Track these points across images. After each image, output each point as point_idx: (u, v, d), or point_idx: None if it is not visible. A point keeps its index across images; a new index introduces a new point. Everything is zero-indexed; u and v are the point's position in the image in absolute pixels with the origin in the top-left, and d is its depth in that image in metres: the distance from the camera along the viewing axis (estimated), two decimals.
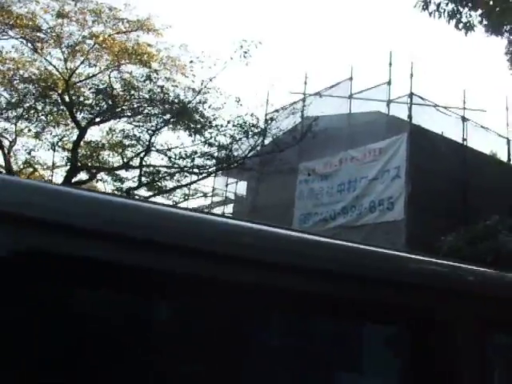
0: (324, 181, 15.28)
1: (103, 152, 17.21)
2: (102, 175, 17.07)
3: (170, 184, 16.46)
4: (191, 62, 14.17)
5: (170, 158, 14.91)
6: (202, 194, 17.19)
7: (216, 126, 14.51)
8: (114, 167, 16.42)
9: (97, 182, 16.60)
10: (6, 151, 16.91)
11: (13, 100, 16.65)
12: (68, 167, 17.10)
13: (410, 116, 14.74)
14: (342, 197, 14.96)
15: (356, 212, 14.62)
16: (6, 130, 17.05)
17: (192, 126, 15.04)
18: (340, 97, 15.92)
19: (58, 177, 19.02)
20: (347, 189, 14.90)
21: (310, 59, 39.68)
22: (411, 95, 14.96)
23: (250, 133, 14.85)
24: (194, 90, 14.71)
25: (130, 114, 16.07)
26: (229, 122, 14.23)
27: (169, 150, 14.99)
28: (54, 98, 16.62)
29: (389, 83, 15.30)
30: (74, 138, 17.11)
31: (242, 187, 18.46)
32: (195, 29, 36.95)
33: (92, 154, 17.37)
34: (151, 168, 15.75)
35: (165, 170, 15.50)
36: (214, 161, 15.42)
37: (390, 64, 15.38)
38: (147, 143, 15.18)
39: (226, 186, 18.25)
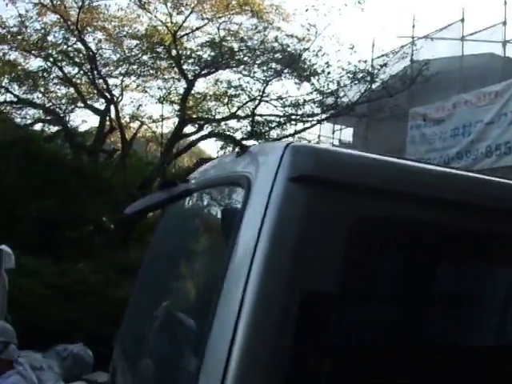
0: (436, 126, 15.13)
1: (210, 103, 17.62)
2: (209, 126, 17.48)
3: (275, 133, 16.73)
4: (307, 10, 14.18)
5: (282, 106, 15.15)
6: (306, 142, 17.34)
7: (328, 73, 14.58)
8: (223, 118, 16.82)
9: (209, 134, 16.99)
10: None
11: (122, 56, 17.18)
12: (175, 120, 17.67)
13: None
14: (456, 142, 14.81)
15: (471, 157, 14.48)
16: (116, 86, 17.64)
17: (302, 74, 15.18)
18: (451, 39, 15.54)
19: (164, 129, 19.69)
20: (461, 133, 14.71)
21: (419, 2, 38.02)
22: None
23: (360, 79, 14.87)
24: (306, 39, 14.78)
25: (235, 65, 16.32)
26: (343, 69, 14.28)
27: (280, 98, 15.23)
28: (160, 52, 17.05)
29: (504, 23, 14.74)
30: (180, 91, 17.59)
31: (347, 133, 18.56)
32: None
33: (198, 105, 17.81)
34: (261, 118, 16.04)
35: (275, 119, 15.76)
36: (322, 108, 15.56)
37: (505, 3, 14.80)
38: (258, 93, 15.45)
39: (333, 132, 18.39)
